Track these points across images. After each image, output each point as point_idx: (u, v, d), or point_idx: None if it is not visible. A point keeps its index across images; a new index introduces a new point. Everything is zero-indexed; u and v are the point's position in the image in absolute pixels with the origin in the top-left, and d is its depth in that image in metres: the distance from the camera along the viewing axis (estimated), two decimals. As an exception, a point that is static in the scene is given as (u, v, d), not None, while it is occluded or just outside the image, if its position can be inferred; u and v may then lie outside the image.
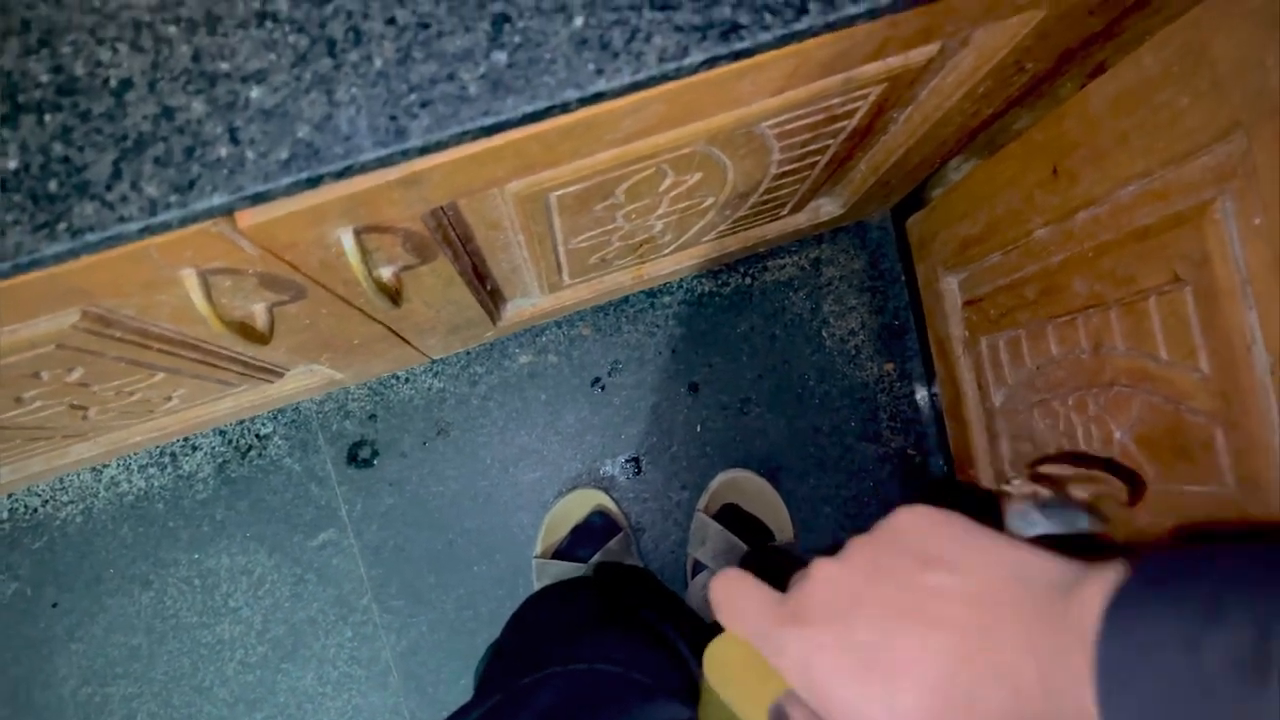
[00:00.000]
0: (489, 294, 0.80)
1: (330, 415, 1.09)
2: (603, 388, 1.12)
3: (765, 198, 0.77)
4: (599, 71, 0.36)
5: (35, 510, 1.08)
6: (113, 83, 0.34)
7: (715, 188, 0.67)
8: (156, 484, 1.08)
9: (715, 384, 1.14)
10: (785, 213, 0.88)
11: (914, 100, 0.63)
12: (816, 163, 0.70)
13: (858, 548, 0.33)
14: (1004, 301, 0.81)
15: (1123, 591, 0.26)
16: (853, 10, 0.36)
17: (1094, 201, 0.63)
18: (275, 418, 1.09)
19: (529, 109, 0.36)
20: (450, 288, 0.66)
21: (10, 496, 1.07)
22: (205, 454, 1.08)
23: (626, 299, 1.11)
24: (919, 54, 0.52)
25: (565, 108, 0.36)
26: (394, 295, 0.52)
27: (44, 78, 0.34)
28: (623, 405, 1.12)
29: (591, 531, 1.03)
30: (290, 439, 1.09)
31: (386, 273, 0.55)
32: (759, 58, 0.39)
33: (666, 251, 0.87)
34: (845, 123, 0.61)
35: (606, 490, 1.10)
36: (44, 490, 1.08)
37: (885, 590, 0.31)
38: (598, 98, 0.36)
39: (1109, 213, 0.62)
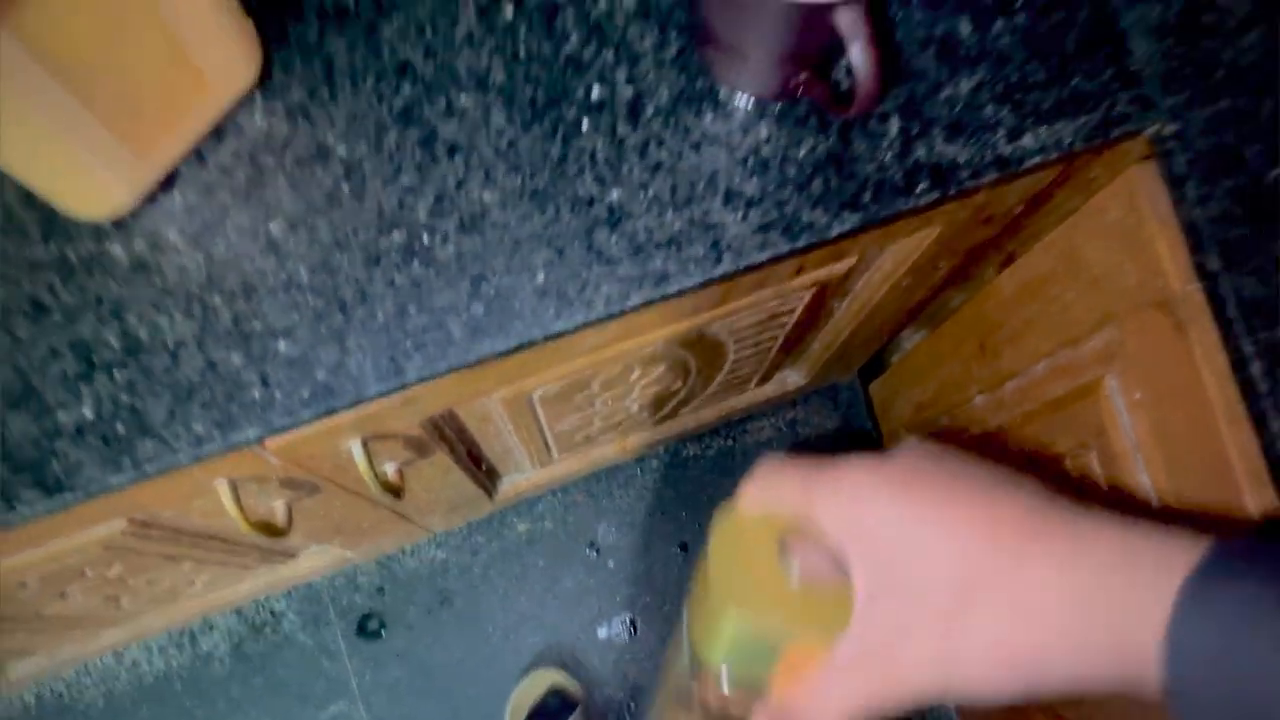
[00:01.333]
0: (484, 474, 0.87)
1: (340, 590, 1.15)
2: (598, 551, 1.18)
3: (730, 377, 0.85)
4: (558, 315, 0.44)
5: (60, 694, 1.12)
6: (169, 343, 0.43)
7: (681, 376, 0.76)
8: (175, 664, 1.13)
9: (704, 542, 1.20)
10: (753, 386, 0.97)
11: (849, 293, 0.72)
12: (770, 348, 0.79)
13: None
14: (956, 460, 0.88)
15: (1211, 558, 0.31)
16: (759, 258, 0.45)
17: (1016, 374, 0.72)
18: (289, 594, 1.15)
19: (502, 347, 0.44)
20: (448, 475, 0.74)
21: (36, 682, 1.12)
22: (222, 633, 1.14)
23: (615, 466, 1.19)
24: (839, 266, 0.61)
25: (532, 344, 0.45)
26: (397, 490, 0.60)
27: (114, 342, 0.43)
28: (617, 567, 1.18)
29: (547, 712, 1.07)
30: (303, 614, 1.15)
31: (390, 469, 0.63)
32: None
33: (646, 426, 0.95)
34: (788, 318, 0.70)
35: (566, 666, 1.14)
36: (68, 674, 1.13)
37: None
38: (559, 334, 0.45)
39: (1029, 385, 0.70)
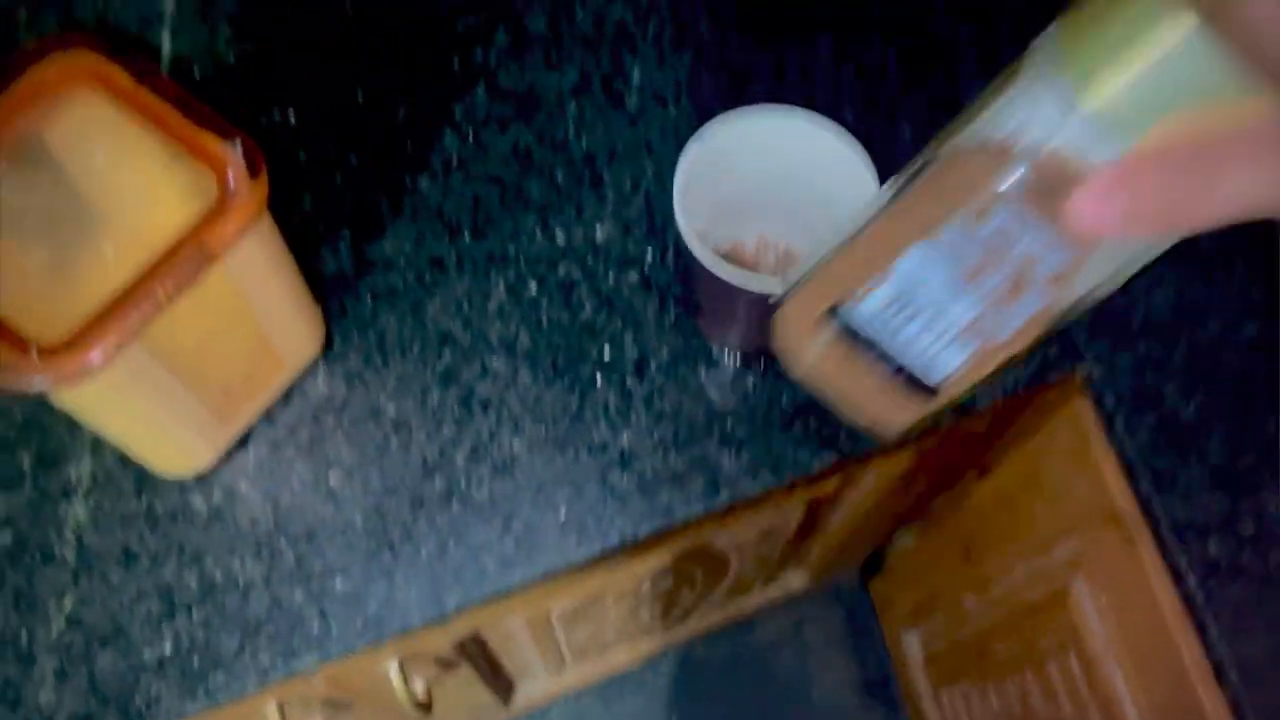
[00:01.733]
0: (502, 684, 0.91)
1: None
2: (611, 759, 1.20)
3: (735, 583, 0.90)
4: (579, 544, 0.51)
5: None
6: (240, 583, 0.49)
7: (688, 584, 0.81)
8: None
9: None
10: (757, 588, 1.02)
11: (839, 505, 0.79)
12: (771, 555, 0.85)
13: None
14: (951, 661, 0.92)
15: None
16: (751, 490, 0.52)
17: (998, 579, 0.77)
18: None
19: (530, 576, 0.51)
20: (470, 688, 0.78)
21: None
22: None
23: (627, 672, 1.22)
24: (827, 485, 0.68)
25: (556, 573, 0.51)
26: (427, 707, 0.64)
27: (192, 584, 0.49)
28: (630, 775, 1.19)
29: None
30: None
31: (419, 687, 0.68)
32: (695, 519, 0.55)
33: (656, 631, 0.99)
34: (785, 529, 0.76)
35: None
36: None
37: None
38: (580, 566, 0.51)
39: (1010, 589, 0.76)
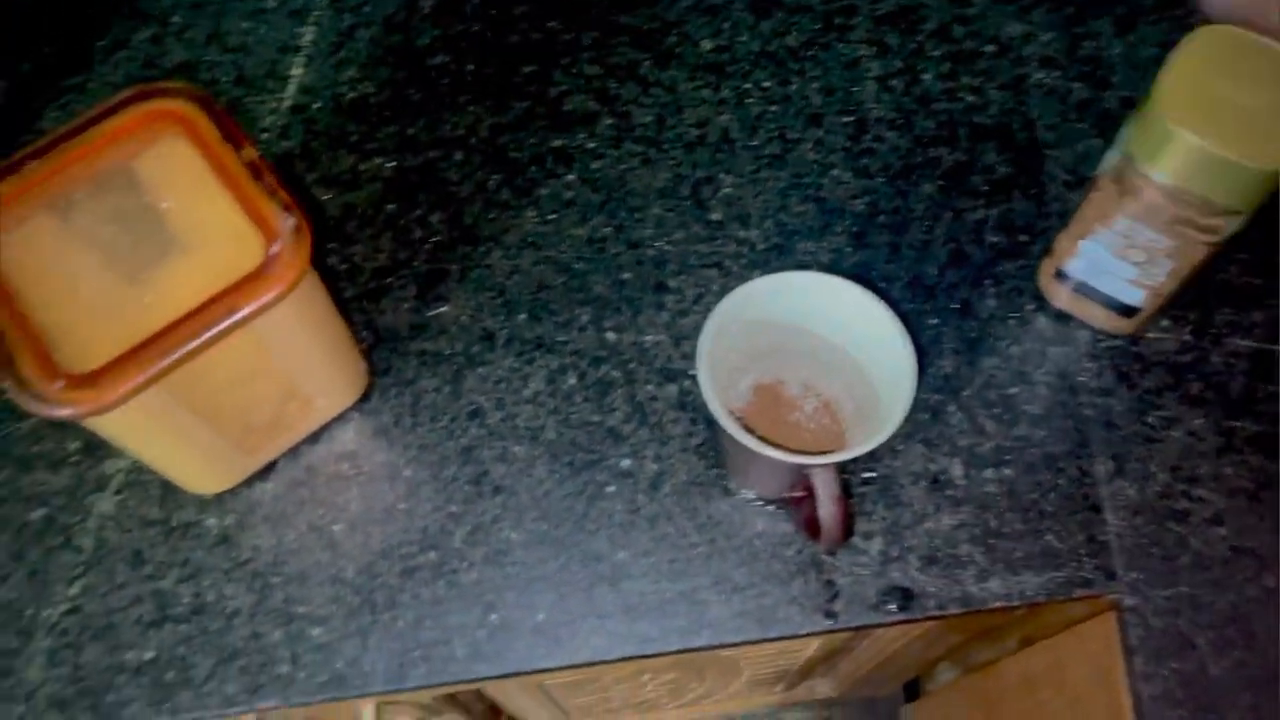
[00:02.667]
0: (504, 724, 0.92)
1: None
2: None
3: (751, 683, 0.89)
4: (547, 655, 0.51)
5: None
6: (228, 610, 0.52)
7: (696, 679, 0.80)
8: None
9: None
10: (780, 690, 1.00)
11: (855, 649, 0.76)
12: (788, 670, 0.83)
13: None
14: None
15: None
16: (732, 639, 0.51)
17: (1012, 757, 0.73)
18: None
19: (494, 673, 0.51)
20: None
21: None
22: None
23: (645, 728, 1.21)
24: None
25: (519, 674, 0.51)
26: (400, 750, 0.66)
27: (186, 599, 0.52)
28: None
29: None
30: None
31: (402, 724, 0.69)
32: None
33: (668, 709, 0.98)
34: (799, 654, 0.75)
35: None
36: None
37: None
38: (545, 671, 0.51)
39: (1020, 773, 0.72)
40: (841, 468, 0.46)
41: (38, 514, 0.54)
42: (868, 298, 0.47)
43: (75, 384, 0.41)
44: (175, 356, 0.41)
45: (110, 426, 0.45)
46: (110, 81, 0.64)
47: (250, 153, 0.45)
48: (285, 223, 0.43)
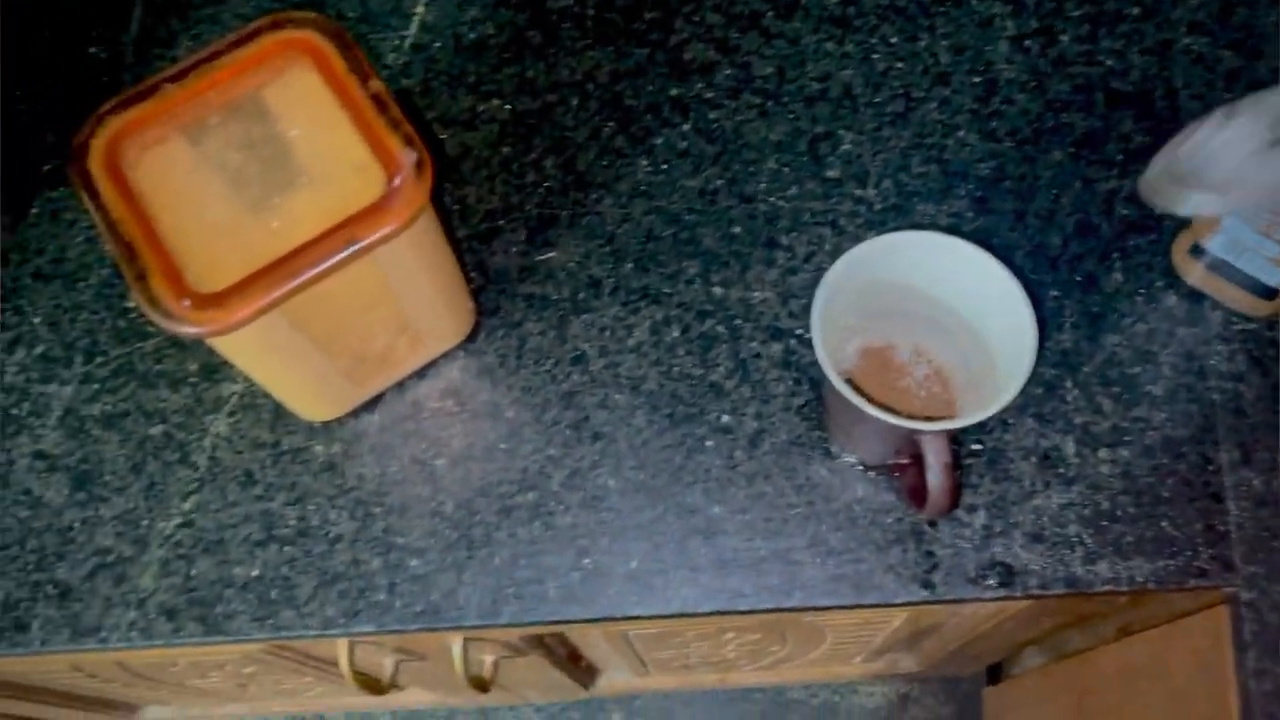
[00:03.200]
0: (583, 670, 0.94)
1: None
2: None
3: (831, 651, 0.88)
4: (639, 602, 0.51)
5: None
6: (331, 535, 0.53)
7: (778, 642, 0.80)
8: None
9: None
10: (859, 661, 0.99)
11: (943, 625, 0.75)
12: (871, 642, 0.82)
13: None
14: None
15: None
16: (824, 603, 0.51)
17: (1100, 748, 0.71)
18: (393, 714, 1.23)
19: (585, 616, 0.51)
20: (545, 671, 0.81)
21: None
22: (327, 727, 1.24)
23: (716, 689, 1.22)
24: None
25: (611, 620, 0.52)
26: (484, 686, 0.67)
27: (292, 521, 0.53)
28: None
29: None
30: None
31: (488, 660, 0.71)
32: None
33: (746, 670, 0.98)
34: (885, 625, 0.74)
35: None
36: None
37: None
38: (634, 619, 0.52)
39: (1108, 764, 0.70)
40: (952, 437, 0.45)
41: (157, 429, 0.56)
42: (992, 261, 0.45)
43: (201, 303, 0.42)
44: (298, 282, 0.42)
45: (230, 347, 0.47)
46: (241, 13, 0.66)
47: (376, 85, 0.45)
48: (408, 156, 0.44)
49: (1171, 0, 0.61)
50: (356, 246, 0.42)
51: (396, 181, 0.43)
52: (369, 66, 0.46)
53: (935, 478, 0.44)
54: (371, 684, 0.67)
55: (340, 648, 0.61)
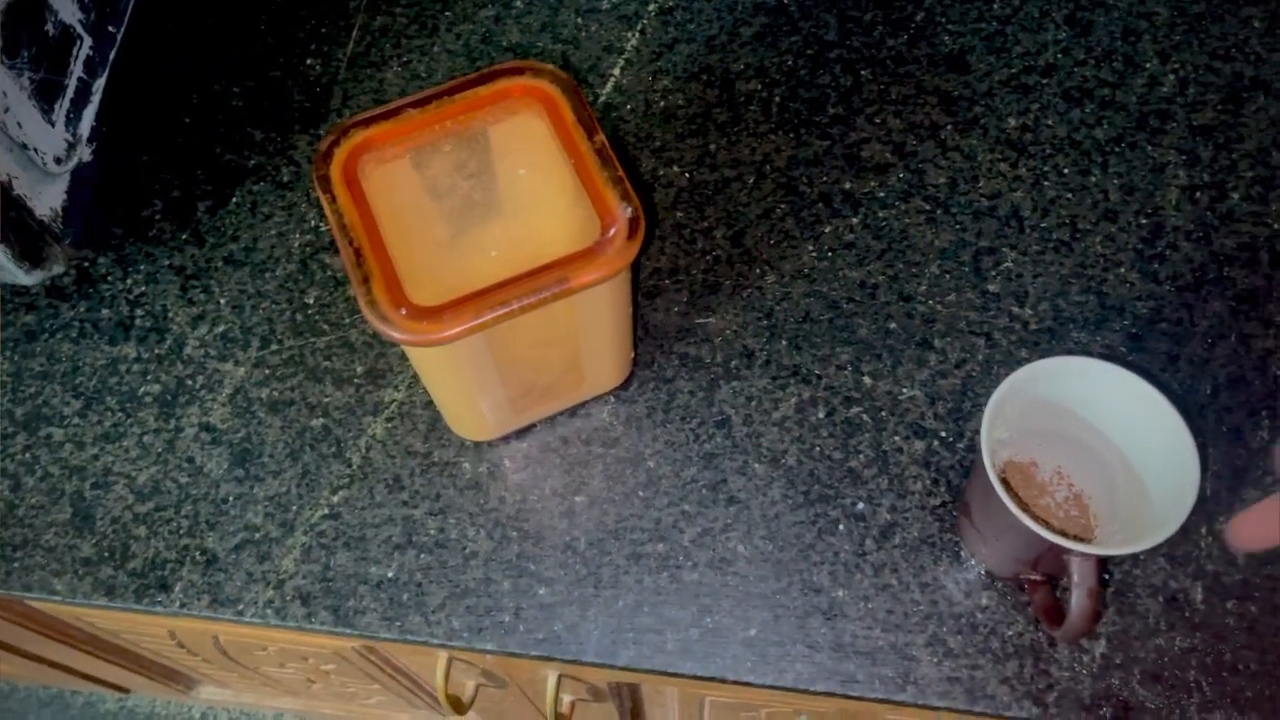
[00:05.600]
0: (637, 728, 0.94)
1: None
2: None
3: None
4: (752, 670, 0.52)
5: (218, 721, 1.27)
6: (467, 550, 0.55)
7: (843, 736, 0.80)
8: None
9: None
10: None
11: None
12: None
13: None
14: None
15: None
16: (937, 704, 0.51)
17: None
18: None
19: (699, 673, 0.53)
20: (610, 718, 0.81)
21: (211, 705, 1.27)
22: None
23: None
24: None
25: (721, 681, 0.53)
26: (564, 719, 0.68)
27: (432, 531, 0.56)
28: None
29: None
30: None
31: (566, 701, 0.72)
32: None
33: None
34: (959, 738, 0.73)
35: None
36: (235, 712, 1.27)
37: None
38: (745, 684, 0.53)
39: None
40: (1102, 563, 0.46)
41: (318, 422, 0.59)
42: (1162, 399, 0.47)
43: (416, 315, 0.45)
44: (507, 309, 0.44)
45: (422, 358, 0.50)
46: (449, 49, 0.70)
47: (601, 139, 0.48)
48: (625, 211, 0.46)
49: (1345, 175, 0.63)
50: (564, 287, 0.45)
51: (611, 233, 0.46)
52: (596, 122, 0.49)
53: (1079, 600, 0.45)
54: (455, 702, 0.68)
55: (439, 661, 0.63)
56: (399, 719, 1.05)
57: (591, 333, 0.52)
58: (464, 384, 0.51)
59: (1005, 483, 0.52)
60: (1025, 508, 0.46)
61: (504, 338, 0.48)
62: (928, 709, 0.52)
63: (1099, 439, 0.51)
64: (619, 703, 0.76)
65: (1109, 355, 0.58)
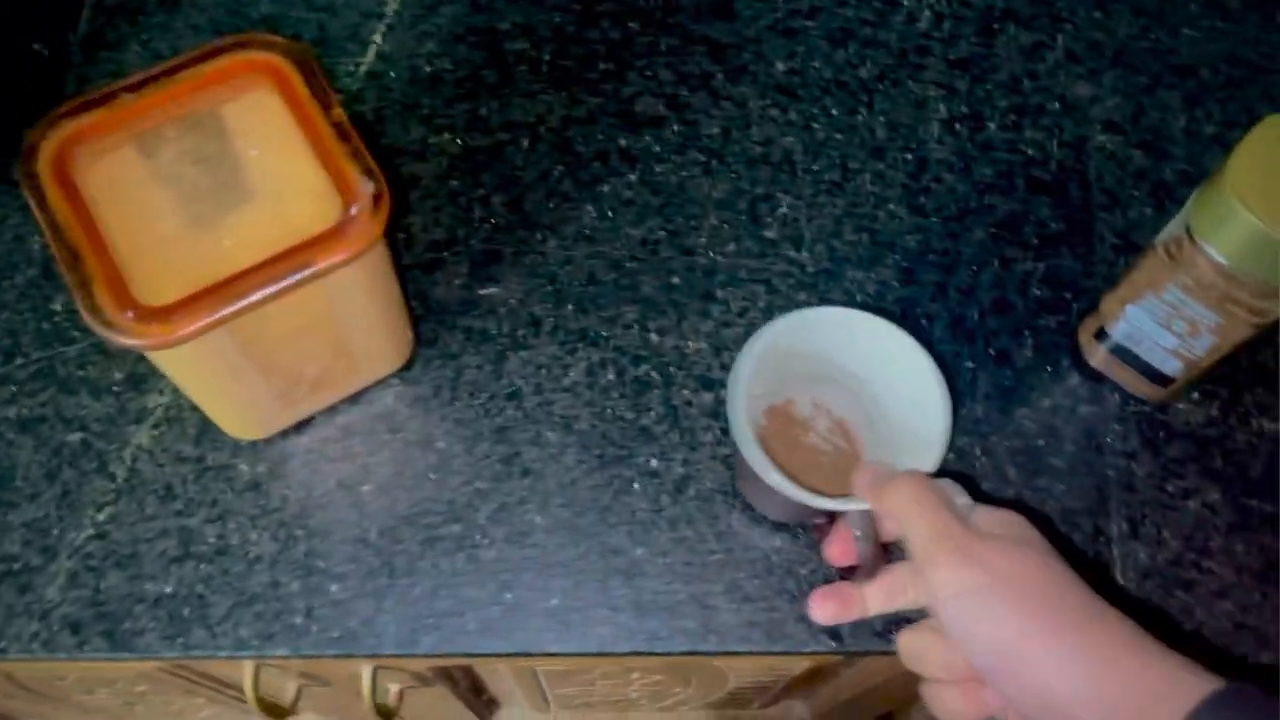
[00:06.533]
0: (484, 704, 0.93)
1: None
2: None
3: (732, 695, 0.90)
4: (556, 639, 0.52)
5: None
6: (251, 555, 0.53)
7: (681, 684, 0.81)
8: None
9: None
10: (755, 707, 1.00)
11: (845, 672, 0.77)
12: (772, 689, 0.84)
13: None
14: None
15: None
16: (738, 648, 0.52)
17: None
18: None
19: (503, 650, 0.52)
20: (447, 702, 0.80)
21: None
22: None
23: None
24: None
25: (527, 655, 0.52)
26: (390, 715, 0.67)
27: (211, 539, 0.53)
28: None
29: None
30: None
31: (393, 689, 0.70)
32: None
33: (646, 710, 0.99)
34: (788, 672, 0.75)
35: None
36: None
37: None
38: (553, 655, 0.52)
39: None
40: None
41: (75, 437, 0.55)
42: (916, 349, 0.48)
43: (146, 316, 0.41)
44: (246, 302, 0.42)
45: (166, 360, 0.46)
46: (194, 24, 0.65)
47: (338, 113, 0.46)
48: (366, 186, 0.44)
49: (1090, 100, 0.66)
50: (308, 272, 0.43)
51: (353, 211, 0.44)
52: (332, 94, 0.46)
53: (864, 550, 0.46)
54: (273, 709, 0.66)
55: (245, 670, 0.60)
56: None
57: (352, 316, 0.49)
58: (219, 383, 0.48)
59: (769, 430, 0.53)
60: (778, 457, 0.47)
61: (252, 330, 0.45)
62: (731, 655, 0.53)
63: (851, 378, 0.52)
64: (452, 685, 0.75)
65: (881, 291, 0.60)
